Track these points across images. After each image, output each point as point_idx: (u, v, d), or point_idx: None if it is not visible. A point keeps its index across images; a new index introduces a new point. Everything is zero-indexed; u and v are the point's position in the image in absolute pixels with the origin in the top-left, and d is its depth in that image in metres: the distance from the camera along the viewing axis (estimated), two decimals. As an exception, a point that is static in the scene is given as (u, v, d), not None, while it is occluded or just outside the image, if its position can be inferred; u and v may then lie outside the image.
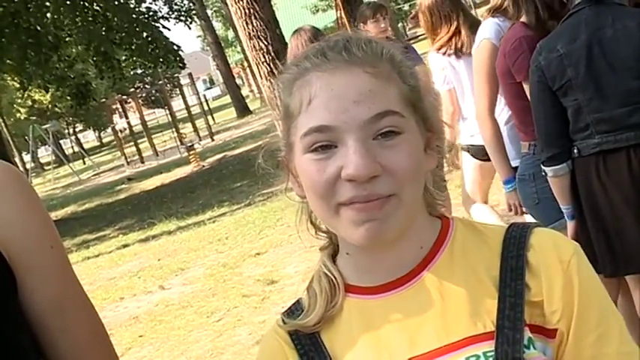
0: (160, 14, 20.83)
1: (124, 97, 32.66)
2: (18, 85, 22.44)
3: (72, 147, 47.04)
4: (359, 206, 0.97)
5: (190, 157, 19.13)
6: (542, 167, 2.97)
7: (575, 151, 2.87)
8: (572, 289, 1.00)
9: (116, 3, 18.87)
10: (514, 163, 3.51)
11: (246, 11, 9.20)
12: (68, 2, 17.32)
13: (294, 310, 1.12)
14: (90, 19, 18.31)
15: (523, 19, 3.16)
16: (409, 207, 1.00)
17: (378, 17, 5.16)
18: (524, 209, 3.47)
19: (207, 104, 33.13)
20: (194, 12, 23.69)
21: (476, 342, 0.98)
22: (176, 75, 38.03)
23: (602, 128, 2.78)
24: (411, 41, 17.40)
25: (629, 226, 2.82)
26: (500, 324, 0.98)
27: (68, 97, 21.83)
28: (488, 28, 3.60)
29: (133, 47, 19.18)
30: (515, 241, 1.04)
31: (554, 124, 2.89)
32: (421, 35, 26.25)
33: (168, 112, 27.67)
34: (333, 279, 1.09)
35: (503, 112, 3.69)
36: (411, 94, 1.03)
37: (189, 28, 24.37)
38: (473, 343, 0.98)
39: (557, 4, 3.05)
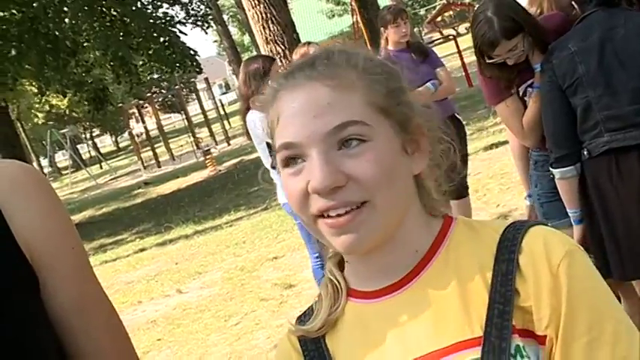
0: (176, 19, 20.85)
1: (141, 101, 32.76)
2: (36, 90, 22.56)
3: (89, 151, 47.26)
4: (330, 222, 0.99)
5: (207, 161, 19.19)
6: (551, 169, 2.96)
7: (585, 152, 2.86)
8: (560, 293, 0.97)
9: (134, 8, 18.93)
10: None
11: (264, 16, 9.22)
12: (86, 8, 17.38)
13: (306, 315, 1.16)
14: (108, 24, 18.38)
15: None
16: (386, 212, 1.00)
17: (399, 22, 5.18)
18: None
19: (224, 109, 33.21)
20: (210, 17, 23.73)
21: (464, 347, 0.98)
22: (192, 80, 38.18)
23: (611, 126, 2.77)
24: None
25: (639, 230, 2.79)
26: (488, 331, 0.97)
27: (85, 102, 21.88)
28: None
29: (150, 52, 19.21)
30: (508, 243, 1.02)
31: (562, 124, 2.89)
32: (437, 39, 26.22)
33: (184, 116, 27.79)
34: (337, 284, 1.12)
35: None
36: (382, 100, 1.02)
37: (206, 33, 24.40)
38: (461, 349, 0.98)
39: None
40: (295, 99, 1.01)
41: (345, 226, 0.98)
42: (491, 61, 3.04)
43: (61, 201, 1.23)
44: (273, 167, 4.25)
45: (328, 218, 0.99)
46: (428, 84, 5.11)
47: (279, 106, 1.03)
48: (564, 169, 2.91)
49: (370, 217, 0.99)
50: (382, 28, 5.31)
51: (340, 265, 1.14)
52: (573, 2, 2.93)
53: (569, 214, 3.02)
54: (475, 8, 3.41)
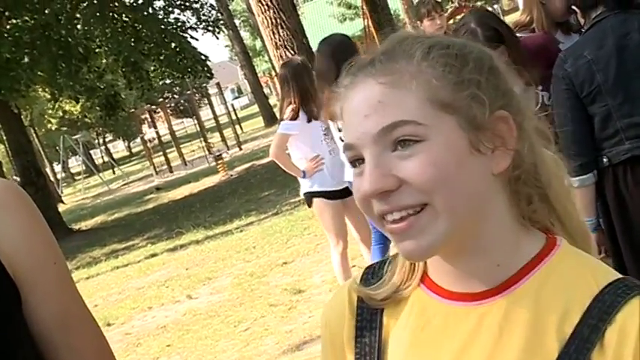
0: (188, 25, 20.89)
1: (153, 107, 32.86)
2: (49, 96, 22.72)
3: (102, 157, 47.47)
4: (389, 227, 0.94)
5: (218, 166, 19.22)
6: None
7: (605, 160, 2.83)
8: None
9: (145, 14, 19.00)
10: None
11: (273, 21, 9.24)
12: (98, 14, 17.47)
13: (374, 274, 1.08)
14: (119, 30, 18.47)
15: None
16: (450, 217, 0.92)
17: (433, 15, 5.21)
18: None
19: (235, 113, 33.30)
20: (222, 22, 23.74)
21: None
22: (204, 85, 38.28)
23: (632, 133, 2.75)
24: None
25: None
26: None
27: (98, 108, 22.01)
28: None
29: (162, 58, 19.25)
30: (602, 307, 0.91)
31: (581, 132, 2.86)
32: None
33: (196, 121, 27.90)
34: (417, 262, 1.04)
35: None
36: (447, 94, 0.93)
37: (217, 38, 24.45)
38: None
39: None
40: (353, 98, 0.96)
41: (404, 233, 0.92)
42: None
43: (42, 217, 1.23)
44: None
45: (388, 223, 0.93)
46: None
47: (343, 105, 0.99)
48: (584, 177, 2.88)
49: (431, 222, 0.91)
50: (419, 22, 5.34)
51: None
52: (574, 7, 2.91)
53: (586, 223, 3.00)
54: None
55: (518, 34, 3.41)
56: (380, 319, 1.04)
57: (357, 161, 0.96)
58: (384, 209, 0.93)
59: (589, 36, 2.85)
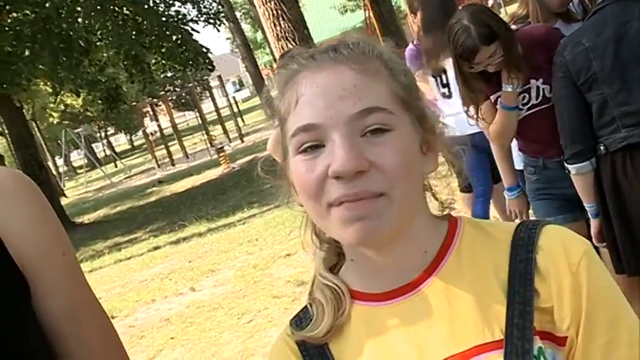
0: (188, 17, 20.87)
1: (155, 100, 32.87)
2: (50, 90, 22.74)
3: (104, 150, 47.51)
4: (348, 205, 0.94)
5: (220, 158, 19.23)
6: (566, 165, 2.94)
7: (602, 147, 2.84)
8: (581, 293, 0.96)
9: (146, 7, 18.99)
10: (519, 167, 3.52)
11: (274, 12, 9.21)
12: (99, 7, 17.46)
13: (302, 319, 1.09)
14: (120, 23, 18.46)
15: None
16: (401, 207, 0.95)
17: None
18: (523, 216, 3.49)
19: (237, 106, 33.26)
20: (223, 14, 23.70)
21: (484, 351, 0.95)
22: (206, 77, 38.26)
23: (628, 122, 2.75)
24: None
25: None
26: (509, 333, 0.95)
27: (99, 101, 22.03)
28: None
29: (163, 50, 19.26)
30: (523, 243, 1.00)
31: (578, 120, 2.87)
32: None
33: (198, 114, 27.90)
34: (336, 287, 1.06)
35: None
36: (403, 92, 1.00)
37: (218, 31, 24.47)
38: (482, 353, 0.95)
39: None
40: (319, 80, 0.97)
41: (362, 210, 0.93)
42: (472, 70, 3.04)
43: (51, 208, 1.21)
44: None
45: (345, 203, 0.93)
46: None
47: (299, 87, 0.98)
48: (580, 164, 2.90)
49: (386, 209, 0.94)
50: (412, 15, 5.29)
51: (331, 269, 1.10)
52: None
53: (587, 208, 3.02)
54: (487, 3, 3.39)
55: (518, 26, 3.40)
56: (328, 351, 1.05)
57: (310, 145, 0.96)
58: (350, 193, 0.93)
59: (589, 23, 2.84)
